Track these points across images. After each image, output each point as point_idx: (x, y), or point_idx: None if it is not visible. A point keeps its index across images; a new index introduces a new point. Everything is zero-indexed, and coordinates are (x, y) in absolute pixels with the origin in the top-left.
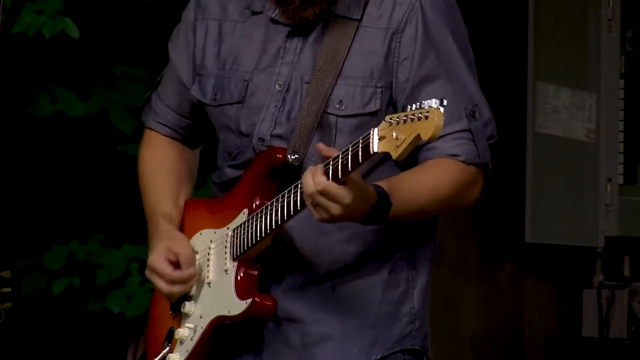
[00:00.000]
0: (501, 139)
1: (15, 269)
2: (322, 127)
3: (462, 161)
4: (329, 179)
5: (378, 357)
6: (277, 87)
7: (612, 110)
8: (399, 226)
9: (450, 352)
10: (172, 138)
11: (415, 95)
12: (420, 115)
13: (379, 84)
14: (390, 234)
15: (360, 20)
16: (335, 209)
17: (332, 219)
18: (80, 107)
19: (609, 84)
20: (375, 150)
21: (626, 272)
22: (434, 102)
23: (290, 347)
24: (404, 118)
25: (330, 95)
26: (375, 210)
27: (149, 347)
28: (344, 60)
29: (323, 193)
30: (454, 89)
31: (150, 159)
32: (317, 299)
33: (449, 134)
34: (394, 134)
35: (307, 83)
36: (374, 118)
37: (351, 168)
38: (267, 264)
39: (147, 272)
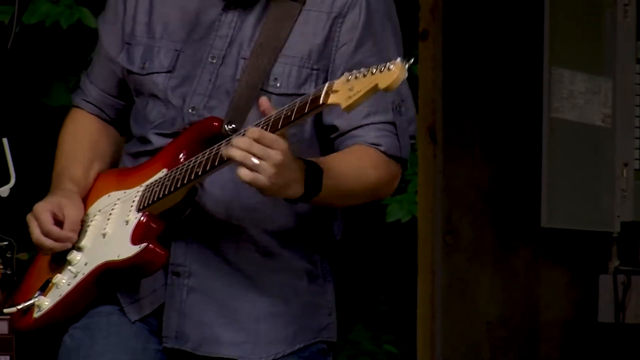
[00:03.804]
0: (517, 124)
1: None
2: (257, 103)
3: (384, 152)
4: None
5: (301, 346)
6: (210, 59)
7: (628, 96)
8: (311, 216)
9: (465, 337)
10: (97, 116)
11: None
12: (382, 68)
13: (315, 66)
14: (307, 224)
15: (303, 3)
16: (276, 154)
17: (278, 173)
18: None
19: (625, 69)
20: (324, 101)
21: None
22: (399, 58)
23: (205, 317)
24: (364, 72)
25: (269, 72)
26: (309, 176)
27: (19, 297)
28: (286, 40)
29: (259, 139)
30: None
31: (70, 130)
32: (242, 279)
33: (373, 123)
34: (350, 87)
35: (245, 59)
36: None
37: (294, 117)
38: (172, 226)
39: (29, 215)
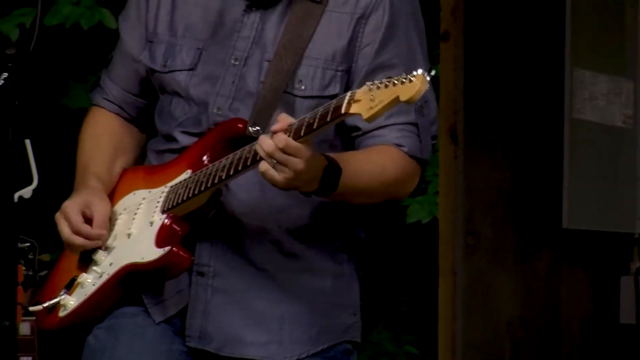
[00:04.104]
0: (538, 125)
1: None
2: (282, 105)
3: (406, 152)
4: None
5: (325, 346)
6: (233, 61)
7: None
8: (337, 215)
9: (486, 338)
10: (118, 115)
11: (368, 80)
12: (403, 79)
13: (339, 68)
14: (333, 224)
15: (326, 4)
16: (298, 162)
17: (296, 178)
18: None
19: None
20: (346, 110)
21: None
22: (420, 70)
23: (229, 317)
24: (386, 82)
25: (292, 74)
26: (327, 174)
27: (44, 295)
28: (309, 41)
29: (284, 149)
30: None
31: (91, 128)
32: (267, 279)
33: (396, 124)
34: (371, 97)
35: (269, 61)
36: None
37: (316, 126)
38: (196, 228)
39: (57, 214)
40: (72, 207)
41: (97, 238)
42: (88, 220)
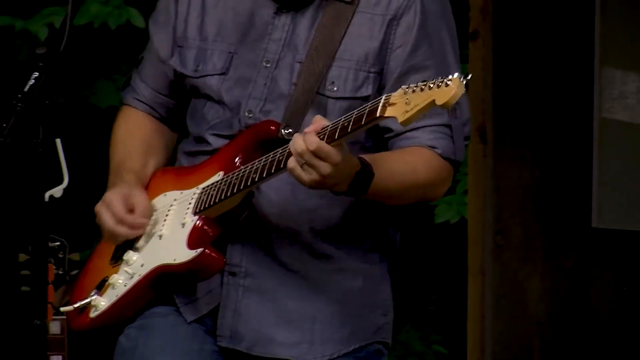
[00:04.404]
0: (567, 124)
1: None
2: (314, 106)
3: (439, 154)
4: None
5: (356, 346)
6: (264, 63)
7: None
8: (368, 216)
9: (515, 338)
10: (149, 114)
11: (401, 82)
12: (439, 83)
13: (372, 69)
14: (364, 224)
15: (356, 5)
16: (326, 167)
17: (321, 181)
18: None
19: None
20: (381, 114)
21: None
22: (456, 74)
23: (260, 317)
24: (422, 86)
25: (324, 76)
26: (358, 178)
27: (75, 296)
28: (340, 43)
29: (315, 152)
30: None
31: (124, 127)
32: (298, 280)
33: (429, 125)
34: (406, 100)
35: (300, 62)
36: (364, 103)
37: (351, 129)
38: (228, 230)
39: (98, 205)
40: (114, 197)
41: (140, 227)
42: (129, 211)
